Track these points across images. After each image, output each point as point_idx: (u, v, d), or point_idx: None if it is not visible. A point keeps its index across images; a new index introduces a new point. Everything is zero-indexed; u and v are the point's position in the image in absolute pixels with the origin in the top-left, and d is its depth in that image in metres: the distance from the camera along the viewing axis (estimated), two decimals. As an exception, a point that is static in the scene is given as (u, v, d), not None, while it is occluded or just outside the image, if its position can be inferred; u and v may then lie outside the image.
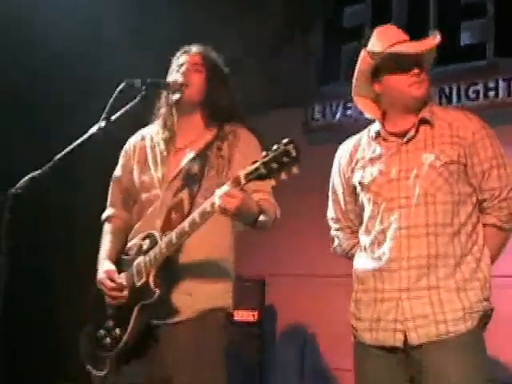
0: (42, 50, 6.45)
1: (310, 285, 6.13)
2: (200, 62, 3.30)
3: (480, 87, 5.62)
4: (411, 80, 2.94)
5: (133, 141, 3.46)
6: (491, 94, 5.57)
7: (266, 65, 6.83)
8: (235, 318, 5.81)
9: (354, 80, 3.08)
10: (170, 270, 3.08)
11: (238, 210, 2.79)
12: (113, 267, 3.18)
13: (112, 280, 3.13)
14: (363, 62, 3.02)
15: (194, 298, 3.09)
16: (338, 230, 3.23)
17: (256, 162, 2.67)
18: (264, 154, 2.66)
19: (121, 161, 3.47)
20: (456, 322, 2.79)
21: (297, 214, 6.11)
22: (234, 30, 6.48)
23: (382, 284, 2.89)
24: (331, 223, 3.26)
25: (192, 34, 6.05)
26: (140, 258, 3.10)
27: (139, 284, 3.07)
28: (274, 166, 2.61)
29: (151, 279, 3.04)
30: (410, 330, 2.80)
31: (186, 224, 2.93)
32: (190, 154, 3.24)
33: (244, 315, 5.92)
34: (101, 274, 3.20)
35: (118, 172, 3.47)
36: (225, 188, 2.77)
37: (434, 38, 3.02)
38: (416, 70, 2.93)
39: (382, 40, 3.01)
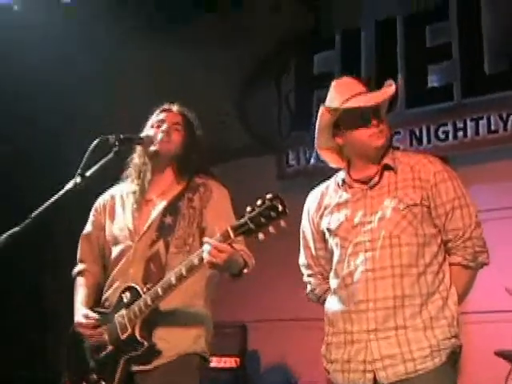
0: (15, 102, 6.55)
1: (292, 329, 6.15)
2: (180, 121, 3.39)
3: (449, 128, 5.75)
4: (371, 131, 3.00)
5: (102, 199, 3.52)
6: (460, 134, 5.70)
7: (239, 112, 6.93)
8: (218, 365, 5.84)
9: (315, 134, 3.14)
10: (149, 318, 3.12)
11: (227, 263, 2.85)
12: (89, 311, 3.22)
13: (87, 317, 3.18)
14: (322, 117, 3.08)
15: (171, 343, 3.13)
16: (310, 276, 3.26)
17: (243, 216, 2.74)
18: (249, 209, 2.72)
19: (91, 218, 3.53)
20: (424, 360, 2.83)
21: (275, 259, 6.15)
22: (206, 80, 6.59)
23: (350, 326, 2.92)
24: (303, 269, 3.29)
25: (168, 83, 6.23)
26: (122, 311, 3.13)
27: (125, 337, 3.11)
28: (262, 220, 2.67)
29: (137, 331, 3.08)
30: (379, 370, 2.85)
31: (172, 278, 2.98)
32: (161, 206, 3.30)
33: (227, 361, 5.93)
34: (77, 317, 3.23)
35: (87, 229, 3.52)
36: (214, 242, 2.82)
37: (389, 87, 3.06)
38: (375, 122, 3.00)
39: (339, 93, 3.06)
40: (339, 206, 3.07)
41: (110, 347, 3.15)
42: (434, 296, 2.90)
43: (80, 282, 3.43)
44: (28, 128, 6.76)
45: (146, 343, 3.05)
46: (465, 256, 2.94)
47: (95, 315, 3.18)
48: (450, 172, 3.02)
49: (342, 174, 3.14)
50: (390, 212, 2.93)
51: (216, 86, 6.58)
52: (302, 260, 3.27)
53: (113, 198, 3.47)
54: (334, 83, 3.13)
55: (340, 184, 3.11)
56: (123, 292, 3.16)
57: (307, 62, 6.68)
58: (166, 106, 3.46)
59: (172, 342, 3.13)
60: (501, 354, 4.67)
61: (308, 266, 3.24)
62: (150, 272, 3.15)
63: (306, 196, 3.31)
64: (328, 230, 3.08)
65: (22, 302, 6.90)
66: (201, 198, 3.29)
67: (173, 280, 2.96)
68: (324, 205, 3.14)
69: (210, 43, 6.88)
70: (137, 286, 3.11)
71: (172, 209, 3.28)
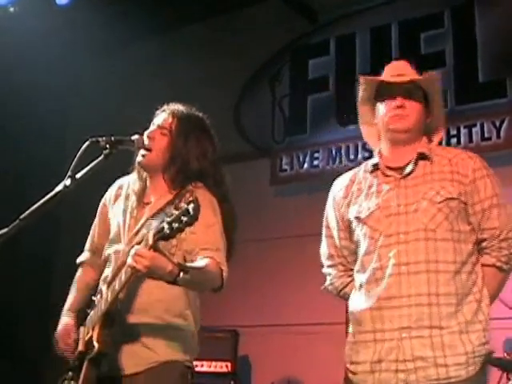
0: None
1: (284, 334, 6.15)
2: (168, 125, 3.25)
3: (442, 135, 5.73)
4: (393, 112, 2.88)
5: (110, 190, 3.46)
6: (453, 140, 5.71)
7: (233, 117, 6.94)
8: (209, 369, 5.85)
9: (358, 107, 3.07)
10: (126, 324, 3.09)
11: (148, 269, 2.76)
12: (71, 322, 3.20)
13: (69, 336, 3.16)
14: (361, 89, 3.02)
15: (151, 350, 3.09)
16: (330, 266, 3.08)
17: (163, 221, 2.73)
18: (172, 212, 2.72)
19: (99, 209, 3.47)
20: (458, 367, 2.69)
21: (267, 263, 6.16)
22: (201, 85, 6.60)
23: (381, 324, 2.77)
24: (324, 260, 3.11)
25: (163, 87, 6.24)
26: (92, 313, 3.14)
27: (87, 338, 3.11)
28: (176, 225, 2.68)
29: (94, 334, 3.06)
30: (410, 371, 2.69)
31: (116, 284, 2.96)
32: (151, 211, 3.23)
33: (218, 366, 5.93)
34: (59, 328, 3.21)
35: (96, 220, 3.47)
36: (136, 247, 2.79)
37: (428, 75, 2.95)
38: (399, 100, 2.88)
39: (385, 72, 2.99)
40: (369, 194, 2.94)
41: (81, 347, 3.15)
42: (468, 297, 2.78)
43: (76, 277, 3.42)
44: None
45: (96, 346, 3.01)
46: (499, 257, 2.84)
47: (72, 334, 3.17)
48: (488, 170, 2.91)
49: (373, 160, 3.00)
50: (426, 204, 2.80)
51: (211, 92, 6.59)
52: (324, 250, 3.11)
53: (120, 189, 3.42)
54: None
55: (370, 170, 2.98)
56: (97, 294, 3.16)
57: (302, 67, 6.70)
58: (167, 107, 3.33)
59: (155, 348, 3.09)
60: (491, 362, 4.66)
61: (329, 257, 3.09)
62: (116, 276, 3.05)
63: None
64: (357, 218, 2.93)
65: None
66: None
67: (116, 285, 2.95)
68: (352, 192, 3.01)
69: (204, 49, 6.90)
70: (103, 288, 3.10)
71: (158, 215, 3.18)
